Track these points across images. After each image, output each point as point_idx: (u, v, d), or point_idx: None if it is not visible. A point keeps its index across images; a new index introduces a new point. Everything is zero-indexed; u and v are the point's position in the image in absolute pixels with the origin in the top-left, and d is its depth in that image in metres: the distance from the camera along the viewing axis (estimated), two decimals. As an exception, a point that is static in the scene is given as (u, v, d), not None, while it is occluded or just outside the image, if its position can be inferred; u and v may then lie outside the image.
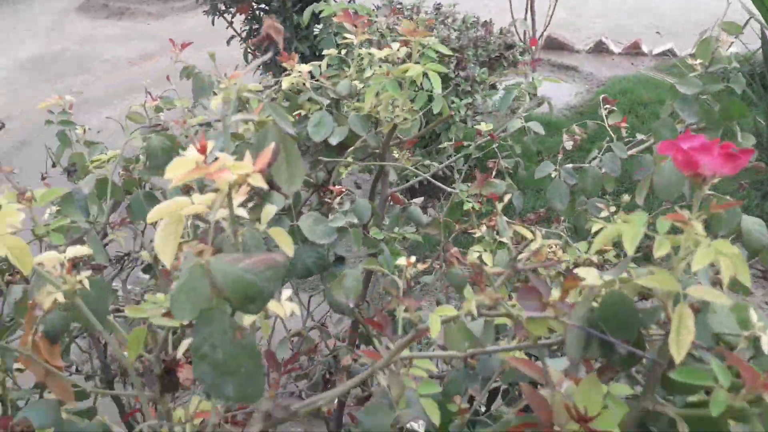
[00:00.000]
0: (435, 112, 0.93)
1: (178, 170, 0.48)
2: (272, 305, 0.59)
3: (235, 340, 0.49)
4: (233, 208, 0.53)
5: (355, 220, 1.02)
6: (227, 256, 0.49)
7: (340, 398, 1.69)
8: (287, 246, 0.55)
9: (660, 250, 0.48)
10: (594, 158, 1.11)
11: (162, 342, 0.79)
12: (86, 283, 0.60)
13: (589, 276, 0.54)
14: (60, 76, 5.73)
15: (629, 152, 1.13)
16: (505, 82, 3.09)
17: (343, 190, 0.99)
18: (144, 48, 6.22)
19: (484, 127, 1.25)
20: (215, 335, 0.50)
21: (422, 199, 1.35)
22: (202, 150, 0.48)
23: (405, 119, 0.94)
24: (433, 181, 1.15)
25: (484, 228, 1.06)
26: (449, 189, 1.14)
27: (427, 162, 1.52)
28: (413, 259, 0.80)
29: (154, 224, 0.55)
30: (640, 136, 1.24)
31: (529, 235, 0.84)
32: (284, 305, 0.60)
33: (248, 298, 0.49)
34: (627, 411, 0.53)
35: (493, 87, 3.13)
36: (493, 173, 1.23)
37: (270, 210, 0.59)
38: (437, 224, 1.21)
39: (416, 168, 1.59)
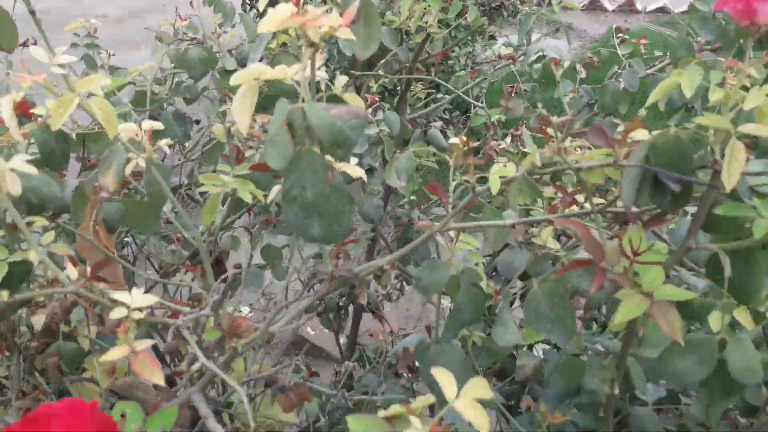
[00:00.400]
0: (470, 20, 0.97)
1: (273, 21, 0.52)
2: (345, 166, 0.63)
3: (326, 180, 0.53)
4: (314, 70, 0.57)
5: (387, 130, 1.06)
6: (318, 104, 0.53)
7: (353, 330, 1.75)
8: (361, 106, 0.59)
9: (715, 95, 0.52)
10: (613, 74, 1.15)
11: (214, 229, 0.83)
12: (166, 148, 0.63)
13: (639, 134, 0.59)
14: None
15: (647, 71, 1.18)
16: (505, 34, 3.11)
17: (376, 99, 1.03)
18: (132, 5, 6.11)
19: (504, 49, 1.28)
20: (306, 176, 0.54)
21: (441, 123, 1.39)
22: (297, 2, 0.52)
23: (439, 28, 0.98)
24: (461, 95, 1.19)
25: (509, 139, 1.11)
26: (474, 103, 1.18)
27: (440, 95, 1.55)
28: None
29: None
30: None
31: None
32: (355, 169, 0.64)
33: (337, 143, 0.53)
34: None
35: (492, 38, 3.16)
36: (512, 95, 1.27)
37: (342, 79, 0.62)
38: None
39: (428, 102, 1.62)
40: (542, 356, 0.97)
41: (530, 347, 1.05)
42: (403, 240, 1.44)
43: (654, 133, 0.57)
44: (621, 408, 0.90)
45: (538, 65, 1.25)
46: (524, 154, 1.12)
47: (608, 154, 0.59)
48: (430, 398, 0.47)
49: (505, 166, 1.11)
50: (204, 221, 0.66)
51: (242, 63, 1.10)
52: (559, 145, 0.56)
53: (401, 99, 1.25)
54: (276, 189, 0.61)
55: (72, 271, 0.53)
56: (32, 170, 0.52)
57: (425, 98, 1.63)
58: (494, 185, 0.63)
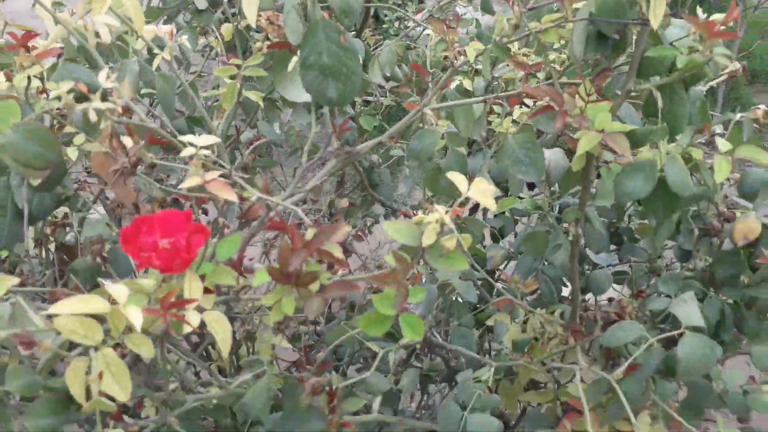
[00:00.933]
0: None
1: None
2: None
3: (340, 43, 0.64)
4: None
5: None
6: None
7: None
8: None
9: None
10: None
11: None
12: (187, 43, 0.72)
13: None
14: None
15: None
16: None
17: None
18: None
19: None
20: (322, 42, 0.65)
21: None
22: None
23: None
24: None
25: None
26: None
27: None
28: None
29: None
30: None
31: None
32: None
33: (345, 12, 0.64)
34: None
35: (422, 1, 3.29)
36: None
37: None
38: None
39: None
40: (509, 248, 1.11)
41: (497, 240, 1.19)
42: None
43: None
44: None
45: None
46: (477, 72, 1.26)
47: (558, 18, 0.73)
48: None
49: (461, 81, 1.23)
50: (224, 104, 0.75)
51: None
52: (522, 10, 0.69)
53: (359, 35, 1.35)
54: (294, 61, 0.70)
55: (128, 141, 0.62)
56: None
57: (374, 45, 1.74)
58: (470, 54, 0.75)
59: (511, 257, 1.12)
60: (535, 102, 0.97)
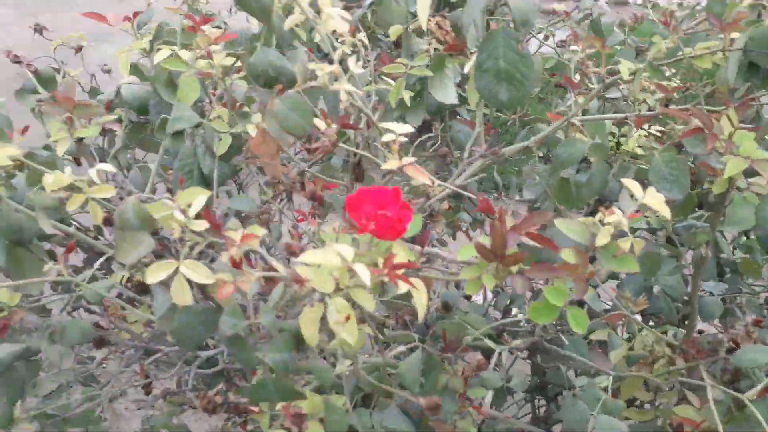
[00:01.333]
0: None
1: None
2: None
3: (517, 50, 0.69)
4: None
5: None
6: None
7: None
8: None
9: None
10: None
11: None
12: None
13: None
14: (42, 11, 5.61)
15: None
16: None
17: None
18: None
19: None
20: (499, 48, 0.70)
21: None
22: None
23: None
24: None
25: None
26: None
27: None
28: None
29: None
30: None
31: None
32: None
33: (523, 21, 0.69)
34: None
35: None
36: None
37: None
38: None
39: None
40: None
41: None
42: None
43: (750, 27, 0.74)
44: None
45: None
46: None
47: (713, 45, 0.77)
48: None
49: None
50: (391, 99, 0.81)
51: None
52: (679, 36, 0.74)
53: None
54: (471, 64, 0.75)
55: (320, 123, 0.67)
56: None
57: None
58: (624, 72, 0.79)
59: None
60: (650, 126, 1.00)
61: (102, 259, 0.78)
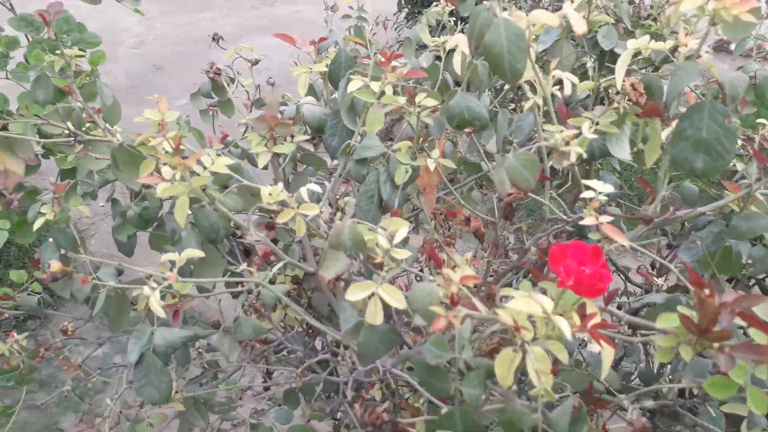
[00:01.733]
0: None
1: None
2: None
3: (723, 124, 0.69)
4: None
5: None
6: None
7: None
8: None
9: None
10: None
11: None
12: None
13: None
14: (184, 12, 6.07)
15: None
16: None
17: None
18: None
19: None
20: (704, 119, 0.70)
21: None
22: None
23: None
24: None
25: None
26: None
27: None
28: None
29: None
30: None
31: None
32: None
33: (733, 97, 0.69)
34: None
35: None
36: None
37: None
38: None
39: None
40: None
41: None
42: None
43: None
44: None
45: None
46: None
47: None
48: None
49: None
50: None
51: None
52: None
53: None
54: (669, 130, 0.76)
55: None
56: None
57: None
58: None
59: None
60: None
61: (280, 265, 0.84)
